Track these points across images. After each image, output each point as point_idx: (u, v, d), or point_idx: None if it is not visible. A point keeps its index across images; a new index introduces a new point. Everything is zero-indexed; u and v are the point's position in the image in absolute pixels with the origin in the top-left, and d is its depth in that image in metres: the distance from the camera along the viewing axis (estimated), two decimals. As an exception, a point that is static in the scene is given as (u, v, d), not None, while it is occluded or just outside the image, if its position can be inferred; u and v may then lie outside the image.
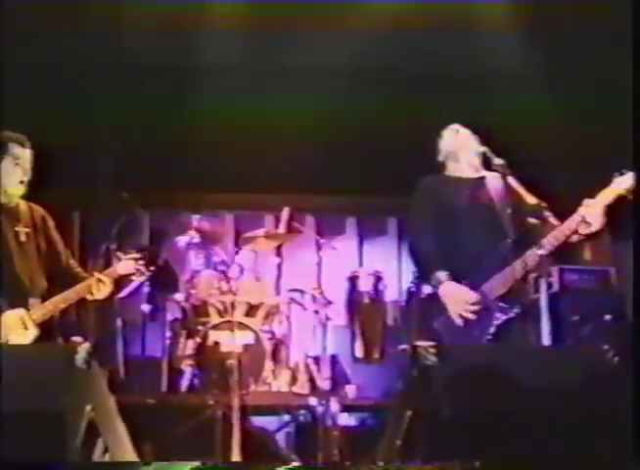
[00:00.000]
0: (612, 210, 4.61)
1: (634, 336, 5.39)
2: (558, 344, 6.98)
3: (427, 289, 4.77)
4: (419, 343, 3.86)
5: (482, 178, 4.96)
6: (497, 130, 5.09)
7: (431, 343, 3.84)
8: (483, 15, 7.17)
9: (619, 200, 4.60)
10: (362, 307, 7.53)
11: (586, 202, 4.59)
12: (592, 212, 4.55)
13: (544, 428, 3.57)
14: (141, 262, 4.93)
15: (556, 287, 7.73)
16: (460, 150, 4.99)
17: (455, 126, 5.05)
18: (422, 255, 4.85)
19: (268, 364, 6.72)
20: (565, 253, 7.14)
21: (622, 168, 4.66)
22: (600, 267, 8.25)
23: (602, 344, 5.34)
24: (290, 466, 4.21)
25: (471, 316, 4.58)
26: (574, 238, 4.66)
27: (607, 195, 4.60)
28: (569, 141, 7.82)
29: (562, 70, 7.81)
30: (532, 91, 7.73)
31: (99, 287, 4.82)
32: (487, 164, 4.88)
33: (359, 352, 7.32)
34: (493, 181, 4.94)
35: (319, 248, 7.78)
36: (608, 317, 7.60)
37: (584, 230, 4.58)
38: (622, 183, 4.59)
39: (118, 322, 6.88)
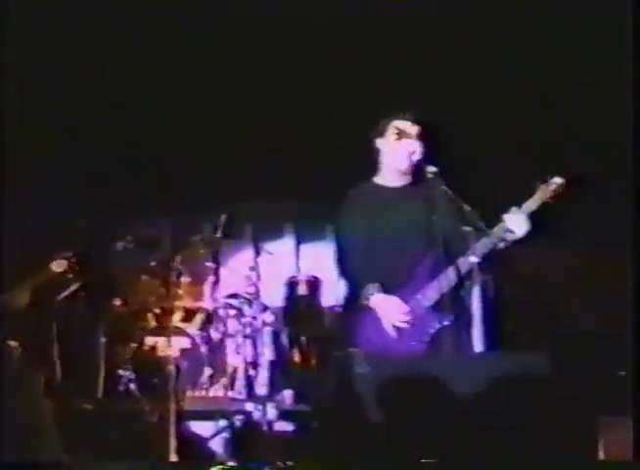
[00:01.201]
0: (537, 217, 4.73)
1: (634, 337, 5.61)
2: (492, 351, 7.13)
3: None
4: (351, 350, 3.95)
5: (413, 186, 5.03)
6: (432, 137, 5.17)
7: (362, 351, 3.92)
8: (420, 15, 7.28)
9: (544, 207, 4.73)
10: (299, 313, 7.59)
11: (513, 209, 4.71)
12: (516, 220, 4.66)
13: (478, 434, 3.67)
14: (73, 261, 5.00)
15: (491, 294, 7.89)
16: (393, 158, 5.04)
17: (392, 133, 5.07)
18: (352, 267, 4.91)
19: (205, 370, 6.78)
20: (500, 260, 7.33)
21: (552, 175, 4.80)
22: (535, 274, 8.44)
23: (537, 351, 5.52)
24: (224, 465, 4.28)
25: (404, 326, 4.66)
26: (501, 245, 4.76)
27: (532, 202, 4.72)
28: (504, 149, 7.99)
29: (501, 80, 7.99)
30: (473, 102, 7.89)
31: None
32: (421, 172, 4.94)
33: (296, 358, 7.38)
34: (423, 190, 5.01)
35: (257, 253, 7.83)
36: (542, 324, 7.79)
37: (509, 237, 4.70)
38: (546, 191, 4.71)
39: (54, 327, 6.88)
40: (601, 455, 6.96)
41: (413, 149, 4.94)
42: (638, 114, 5.82)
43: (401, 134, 4.99)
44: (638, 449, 5.36)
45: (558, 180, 4.83)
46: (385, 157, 5.10)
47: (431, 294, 4.75)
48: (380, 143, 5.12)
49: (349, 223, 5.05)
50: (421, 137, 5.04)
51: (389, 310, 4.70)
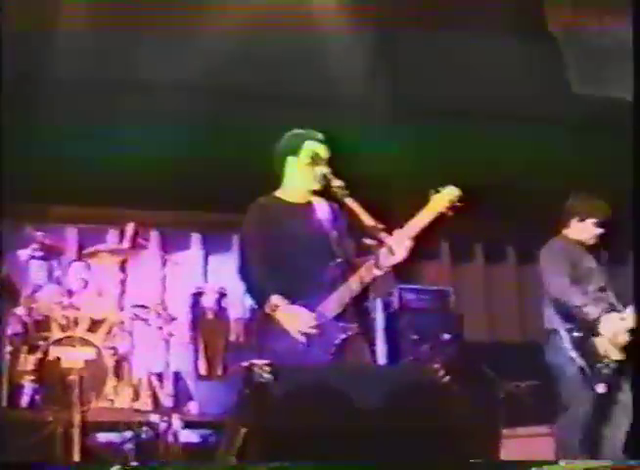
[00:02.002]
0: (431, 229, 4.79)
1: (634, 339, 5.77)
2: (396, 362, 7.28)
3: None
4: (254, 361, 3.99)
5: (311, 202, 5.11)
6: (337, 152, 5.25)
7: (265, 361, 3.97)
8: (333, 41, 7.47)
9: (440, 217, 4.79)
10: (206, 324, 7.66)
11: (396, 231, 4.72)
12: (398, 243, 4.70)
13: (379, 445, 3.78)
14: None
15: (395, 306, 8.06)
16: (304, 179, 5.10)
17: (306, 156, 5.09)
18: (254, 279, 4.97)
19: (110, 380, 6.79)
20: (405, 272, 7.51)
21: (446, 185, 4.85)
22: (439, 287, 8.64)
23: (439, 362, 5.67)
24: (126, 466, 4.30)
25: (313, 332, 4.74)
26: (378, 272, 4.79)
27: (428, 211, 4.79)
28: (408, 163, 8.21)
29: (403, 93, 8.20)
30: (377, 114, 8.08)
31: None
32: (326, 186, 5.01)
33: (202, 369, 7.45)
34: (322, 205, 5.11)
35: (163, 263, 7.86)
36: (446, 336, 7.98)
37: (387, 261, 4.72)
38: (440, 200, 4.80)
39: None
40: (502, 466, 7.22)
41: (322, 172, 4.98)
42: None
43: (315, 158, 5.03)
44: (638, 449, 5.54)
45: (452, 190, 4.86)
46: (293, 175, 5.13)
47: (333, 305, 4.79)
48: (291, 161, 5.14)
49: (252, 235, 5.08)
50: (330, 160, 5.09)
51: (295, 319, 4.75)
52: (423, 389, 4.02)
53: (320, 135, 5.16)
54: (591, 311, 6.10)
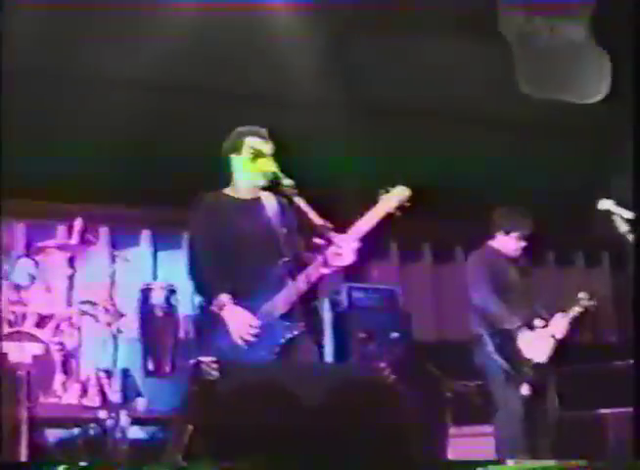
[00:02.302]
0: (380, 229, 4.83)
1: (635, 339, 5.91)
2: (344, 361, 7.34)
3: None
4: (201, 358, 4.02)
5: (259, 199, 5.16)
6: (288, 148, 5.30)
7: (212, 358, 4.01)
8: (286, 33, 7.51)
9: (388, 217, 4.84)
10: (154, 321, 7.65)
11: (340, 236, 4.69)
12: (346, 247, 4.72)
13: (325, 443, 3.83)
14: None
15: (344, 305, 8.12)
16: (248, 175, 5.14)
17: (247, 152, 5.13)
18: (202, 277, 5.00)
19: (58, 377, 6.79)
20: (353, 271, 7.58)
21: (393, 186, 4.90)
22: (387, 286, 8.72)
23: (387, 361, 5.74)
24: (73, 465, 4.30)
25: (252, 339, 4.77)
26: (325, 271, 4.83)
27: (378, 211, 4.84)
28: (360, 162, 8.27)
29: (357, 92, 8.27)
30: (328, 110, 8.14)
31: None
32: (275, 184, 5.00)
33: (150, 366, 7.45)
34: (271, 202, 5.16)
35: (112, 260, 7.86)
36: (394, 335, 8.06)
37: (335, 262, 4.77)
38: (389, 200, 4.85)
39: None
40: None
41: (268, 168, 5.00)
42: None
43: (257, 154, 5.06)
44: (638, 449, 5.64)
45: (402, 190, 4.86)
46: (238, 173, 5.17)
47: (280, 304, 4.83)
48: (235, 159, 5.17)
49: (200, 232, 5.10)
50: (275, 153, 5.12)
51: (238, 323, 4.77)
52: (369, 387, 4.07)
53: (263, 131, 5.21)
54: (510, 320, 6.38)
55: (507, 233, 6.79)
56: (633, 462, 5.23)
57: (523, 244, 6.83)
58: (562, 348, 6.60)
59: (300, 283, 4.82)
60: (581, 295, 6.76)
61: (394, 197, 4.81)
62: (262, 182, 5.09)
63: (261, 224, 5.08)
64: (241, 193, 5.18)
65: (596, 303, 6.83)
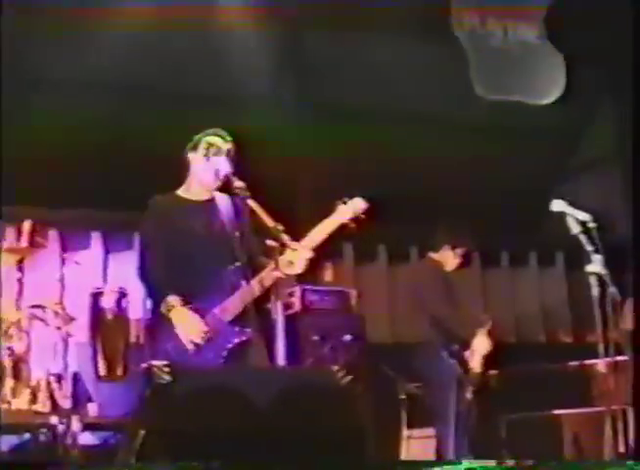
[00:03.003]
0: (334, 237, 4.89)
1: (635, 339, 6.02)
2: (297, 364, 7.36)
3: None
4: (154, 362, 4.04)
5: (213, 200, 5.18)
6: (242, 150, 5.32)
7: (165, 362, 4.02)
8: (238, 37, 7.54)
9: (343, 228, 4.90)
10: (105, 324, 7.62)
11: (295, 245, 4.78)
12: (299, 257, 4.79)
13: (278, 446, 3.86)
14: None
15: (297, 307, 8.14)
16: (201, 173, 5.16)
17: (203, 149, 5.16)
18: (152, 278, 5.01)
19: (8, 382, 6.76)
20: (307, 273, 7.60)
21: (354, 195, 4.96)
22: (341, 288, 8.76)
23: (340, 363, 5.78)
24: None
25: (200, 343, 4.79)
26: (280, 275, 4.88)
27: (333, 221, 4.90)
28: (314, 163, 8.31)
29: (310, 95, 8.31)
30: (283, 115, 8.17)
31: None
32: (228, 186, 5.07)
33: (102, 370, 7.42)
34: (225, 204, 5.18)
35: (62, 262, 7.83)
36: (347, 337, 8.10)
37: (287, 270, 4.82)
38: (346, 212, 4.91)
39: None
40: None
41: (222, 166, 5.03)
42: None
43: (212, 151, 5.09)
44: (638, 449, 5.72)
45: (358, 203, 4.95)
46: (194, 171, 5.19)
47: (231, 307, 4.86)
48: (191, 157, 5.20)
49: (151, 234, 5.11)
50: (232, 153, 5.15)
51: (187, 327, 4.79)
52: (322, 390, 4.08)
53: (222, 132, 5.24)
54: (464, 327, 6.56)
55: (453, 249, 7.00)
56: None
57: (459, 260, 7.06)
58: (503, 352, 6.83)
59: (254, 287, 4.85)
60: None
61: (350, 209, 4.88)
62: (216, 181, 5.12)
63: (214, 226, 5.11)
64: (194, 194, 5.20)
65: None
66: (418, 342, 6.89)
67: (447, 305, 6.82)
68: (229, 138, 5.21)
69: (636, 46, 8.36)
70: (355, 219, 4.90)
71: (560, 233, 5.74)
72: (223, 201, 5.19)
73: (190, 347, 4.80)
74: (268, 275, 4.84)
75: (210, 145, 5.14)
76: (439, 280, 6.97)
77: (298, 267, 4.78)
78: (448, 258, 7.04)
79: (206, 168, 5.13)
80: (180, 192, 5.24)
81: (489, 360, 6.77)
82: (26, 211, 7.97)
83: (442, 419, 6.62)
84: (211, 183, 5.14)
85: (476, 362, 6.73)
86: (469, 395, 6.63)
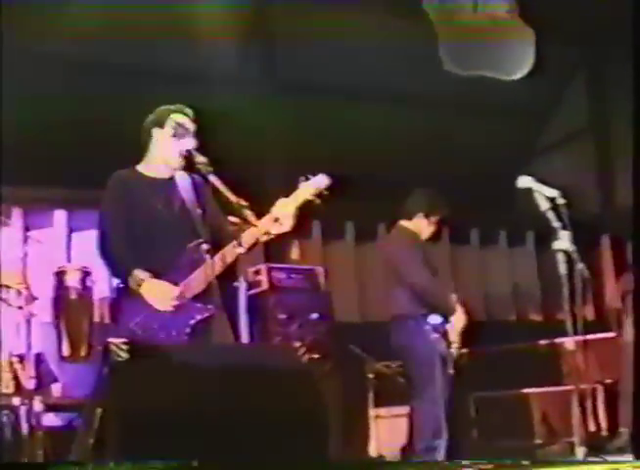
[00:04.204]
0: (301, 212, 4.91)
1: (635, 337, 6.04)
2: (263, 342, 7.36)
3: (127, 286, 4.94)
4: (111, 340, 4.02)
5: (174, 178, 5.16)
6: (207, 127, 5.30)
7: (123, 340, 4.00)
8: (207, 15, 7.51)
9: (307, 204, 4.92)
10: (69, 304, 7.57)
11: (280, 201, 4.87)
12: (284, 213, 4.84)
13: (240, 426, 3.85)
14: None
15: (264, 285, 8.13)
16: (166, 151, 5.14)
17: (170, 128, 5.13)
18: (115, 254, 5.00)
19: (-31, 363, 6.73)
20: (274, 251, 7.59)
21: (309, 168, 4.98)
22: (308, 266, 8.75)
23: (305, 341, 5.77)
24: None
25: (172, 309, 4.80)
26: (264, 238, 4.91)
27: (297, 197, 4.92)
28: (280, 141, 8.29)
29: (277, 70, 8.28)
30: (249, 90, 8.14)
31: None
32: (190, 162, 5.00)
33: (65, 350, 7.38)
34: (186, 182, 5.16)
35: (25, 241, 7.77)
36: (314, 315, 8.10)
37: (275, 230, 4.86)
38: (308, 188, 4.93)
39: None
40: (371, 450, 7.42)
41: (188, 146, 5.01)
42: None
43: (180, 131, 5.06)
44: (638, 450, 5.75)
45: (321, 180, 4.95)
46: (157, 148, 5.15)
47: (194, 284, 4.86)
48: (156, 133, 5.16)
49: (112, 210, 5.09)
50: (196, 132, 5.13)
51: (162, 295, 4.79)
52: (285, 368, 4.09)
53: (188, 110, 5.22)
54: (451, 301, 6.51)
55: (426, 216, 6.91)
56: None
57: (434, 228, 6.99)
58: (473, 330, 6.80)
59: (216, 263, 4.84)
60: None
61: (313, 186, 4.90)
62: (180, 160, 5.10)
63: (176, 204, 5.10)
64: (154, 170, 5.18)
65: None
66: (397, 315, 6.75)
67: (427, 275, 6.71)
68: (192, 116, 5.18)
69: (615, 21, 8.32)
70: (319, 195, 4.90)
71: (530, 211, 5.75)
72: (184, 179, 5.17)
73: (168, 310, 4.79)
74: (230, 251, 4.84)
75: (179, 125, 5.11)
76: (416, 248, 6.86)
77: (286, 226, 4.80)
78: (422, 227, 6.94)
79: (173, 148, 5.10)
80: (140, 168, 5.21)
81: (465, 337, 6.73)
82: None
83: (423, 396, 6.55)
84: (176, 162, 5.11)
85: (455, 337, 6.66)
86: (451, 371, 6.58)
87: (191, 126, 5.14)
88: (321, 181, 4.95)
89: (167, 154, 5.12)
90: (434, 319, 6.60)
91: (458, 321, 6.67)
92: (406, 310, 6.70)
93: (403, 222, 6.99)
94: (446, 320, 6.64)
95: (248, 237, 4.80)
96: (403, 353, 6.80)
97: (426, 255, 6.89)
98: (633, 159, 6.42)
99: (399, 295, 6.75)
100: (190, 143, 5.03)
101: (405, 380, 6.94)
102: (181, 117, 5.15)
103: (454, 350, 6.64)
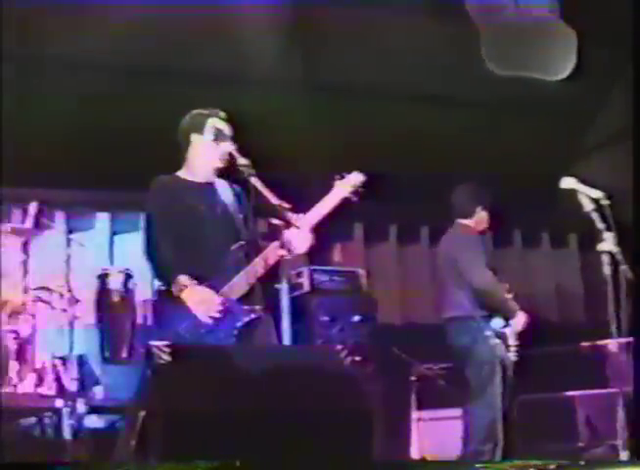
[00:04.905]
0: (336, 213, 4.88)
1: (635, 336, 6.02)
2: (305, 344, 7.35)
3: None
4: (154, 342, 4.03)
5: (215, 183, 5.18)
6: (245, 129, 5.29)
7: (165, 342, 4.02)
8: (245, 17, 7.50)
9: (345, 201, 4.91)
10: (111, 306, 7.61)
11: (296, 218, 4.80)
12: (297, 235, 4.80)
13: (283, 428, 3.84)
14: None
15: (306, 287, 8.12)
16: (207, 157, 5.15)
17: (210, 133, 5.13)
18: (160, 260, 5.01)
19: (13, 365, 6.76)
20: (316, 253, 7.59)
21: (352, 171, 4.96)
22: (350, 268, 8.73)
23: (348, 344, 5.73)
24: None
25: (217, 316, 4.80)
26: (288, 256, 4.88)
27: (327, 202, 4.90)
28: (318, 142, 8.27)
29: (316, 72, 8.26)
30: (286, 91, 8.13)
31: None
32: (232, 164, 5.03)
33: (108, 353, 7.41)
34: (226, 186, 5.17)
35: (68, 244, 7.81)
36: (357, 318, 8.08)
37: (288, 253, 4.83)
38: (344, 186, 4.91)
39: None
40: (413, 452, 7.38)
41: (228, 151, 5.02)
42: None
43: (219, 136, 5.07)
44: (638, 450, 5.71)
45: (356, 177, 4.95)
46: (197, 153, 5.17)
47: (237, 287, 4.87)
48: (195, 139, 5.17)
49: (156, 215, 5.11)
50: (235, 134, 5.14)
51: (202, 303, 4.80)
52: (329, 371, 4.08)
53: (222, 113, 5.23)
54: (513, 304, 6.47)
55: (485, 209, 6.88)
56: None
57: (489, 221, 6.94)
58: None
59: (258, 266, 4.86)
60: None
61: (348, 183, 4.89)
62: (220, 164, 5.11)
63: (217, 208, 5.11)
64: (195, 176, 5.20)
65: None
66: (456, 316, 6.75)
67: (490, 275, 6.66)
68: (227, 118, 5.19)
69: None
70: (355, 192, 4.89)
71: (574, 212, 5.70)
72: (223, 186, 5.19)
73: (207, 321, 4.80)
74: (272, 252, 4.84)
75: (217, 130, 5.12)
76: (477, 247, 6.80)
77: (301, 247, 4.80)
78: (481, 221, 6.92)
79: (213, 152, 5.12)
80: (181, 174, 5.23)
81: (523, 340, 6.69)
82: (32, 192, 7.96)
83: (480, 398, 6.53)
84: (216, 166, 5.13)
85: (514, 341, 6.62)
86: (510, 374, 6.57)
87: (228, 130, 5.15)
88: (356, 178, 4.94)
89: (208, 158, 5.15)
90: (497, 323, 6.57)
91: (518, 324, 6.63)
92: (467, 312, 6.68)
93: (461, 220, 6.93)
94: (507, 323, 6.61)
95: (271, 254, 4.81)
96: (462, 355, 6.75)
97: (486, 254, 6.84)
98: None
99: (460, 295, 6.73)
100: (230, 146, 5.04)
101: (455, 382, 6.94)
102: (218, 122, 5.16)
103: (513, 353, 6.60)
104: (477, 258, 6.72)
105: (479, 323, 6.61)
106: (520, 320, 6.61)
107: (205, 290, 4.86)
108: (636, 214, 6.28)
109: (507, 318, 6.64)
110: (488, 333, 6.56)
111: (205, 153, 5.15)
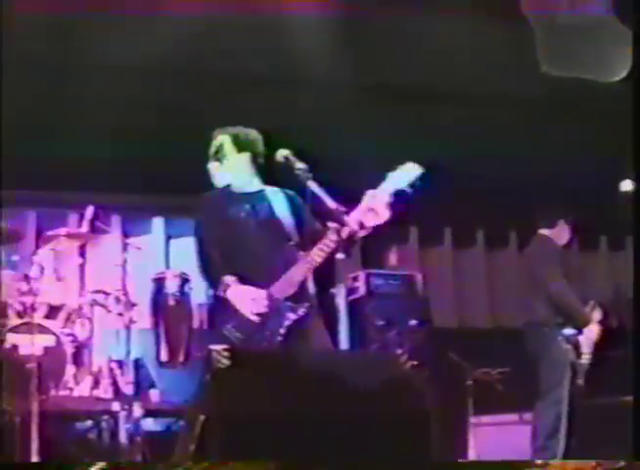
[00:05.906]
0: (398, 214, 4.79)
1: (634, 340, 6.04)
2: (361, 348, 7.31)
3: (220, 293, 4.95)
4: (212, 346, 4.01)
5: (263, 191, 5.18)
6: (300, 134, 5.26)
7: (224, 346, 3.99)
8: (299, 24, 7.46)
9: (401, 193, 4.81)
10: (167, 310, 7.62)
11: (370, 192, 4.69)
12: (378, 202, 4.65)
13: (341, 432, 3.81)
14: None
15: (362, 291, 8.08)
16: (242, 169, 5.18)
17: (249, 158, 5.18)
18: (209, 263, 5.01)
19: (69, 368, 6.78)
20: (371, 257, 7.54)
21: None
22: (407, 272, 8.68)
23: (405, 348, 5.68)
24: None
25: (263, 310, 4.77)
26: (362, 233, 4.77)
27: (388, 186, 4.79)
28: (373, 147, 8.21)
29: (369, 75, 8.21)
30: (337, 94, 8.09)
31: None
32: (289, 169, 4.93)
33: (164, 356, 7.42)
34: (278, 196, 5.16)
35: (124, 248, 7.83)
36: (413, 322, 8.02)
37: (371, 221, 4.70)
38: (399, 177, 4.80)
39: None
40: (471, 455, 7.30)
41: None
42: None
43: (258, 160, 5.14)
44: (638, 450, 5.65)
45: (411, 167, 4.76)
46: (240, 169, 5.19)
47: (284, 285, 4.82)
48: (234, 157, 5.20)
49: (206, 220, 5.12)
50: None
51: (247, 298, 4.78)
52: (386, 374, 4.05)
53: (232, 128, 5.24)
54: (587, 313, 6.83)
55: (568, 223, 7.03)
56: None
57: (570, 234, 7.07)
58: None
59: (305, 264, 4.80)
60: None
61: (404, 174, 4.78)
62: (254, 169, 5.12)
63: (265, 212, 5.10)
64: (242, 184, 5.21)
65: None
66: (532, 322, 6.93)
67: (567, 286, 6.81)
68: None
69: None
70: (412, 186, 4.76)
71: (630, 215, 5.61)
72: (275, 190, 5.19)
73: (254, 318, 4.76)
74: (327, 243, 4.72)
75: (256, 155, 5.16)
76: (558, 259, 6.97)
77: (383, 214, 4.66)
78: (563, 234, 7.07)
79: (239, 164, 5.15)
80: (230, 185, 5.24)
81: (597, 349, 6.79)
82: (89, 196, 7.99)
83: (547, 401, 6.63)
84: (250, 174, 5.15)
85: (587, 349, 6.73)
86: (581, 381, 6.65)
87: (244, 133, 5.19)
88: (411, 169, 4.82)
89: (239, 171, 5.17)
90: (569, 331, 6.77)
91: (592, 333, 6.75)
92: (542, 318, 6.87)
93: (543, 231, 7.06)
94: (580, 331, 6.78)
95: (345, 241, 4.71)
96: (534, 357, 6.91)
97: (564, 265, 6.99)
98: None
99: (537, 303, 6.91)
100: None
101: (511, 386, 6.98)
102: (222, 138, 5.20)
103: (585, 361, 6.79)
104: (555, 270, 6.86)
105: (552, 329, 6.81)
106: (593, 330, 6.73)
107: (249, 288, 4.83)
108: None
109: (581, 327, 6.80)
110: (560, 338, 6.74)
111: (248, 171, 5.18)
